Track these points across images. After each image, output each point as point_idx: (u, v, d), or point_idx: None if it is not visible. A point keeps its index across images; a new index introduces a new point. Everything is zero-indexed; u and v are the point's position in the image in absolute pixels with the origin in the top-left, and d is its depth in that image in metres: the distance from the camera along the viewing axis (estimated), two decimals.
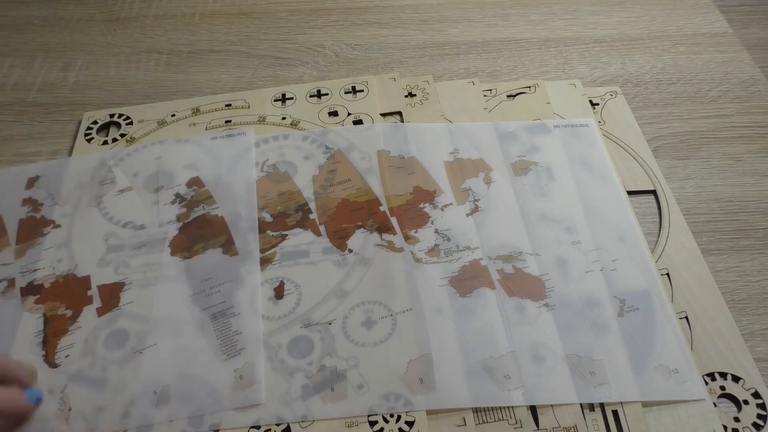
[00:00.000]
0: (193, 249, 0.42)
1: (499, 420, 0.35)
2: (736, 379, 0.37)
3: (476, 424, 0.35)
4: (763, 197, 0.46)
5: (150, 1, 0.64)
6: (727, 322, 0.39)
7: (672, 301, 0.40)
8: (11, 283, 0.41)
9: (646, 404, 0.35)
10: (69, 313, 0.39)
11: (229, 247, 0.42)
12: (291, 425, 0.35)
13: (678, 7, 0.62)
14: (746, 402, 0.36)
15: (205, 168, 0.47)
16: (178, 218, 0.44)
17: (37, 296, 0.40)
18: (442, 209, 0.44)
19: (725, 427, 0.35)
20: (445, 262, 0.41)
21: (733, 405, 0.36)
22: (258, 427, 0.35)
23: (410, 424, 0.35)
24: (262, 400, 0.36)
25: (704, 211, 0.45)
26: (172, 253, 0.42)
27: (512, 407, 0.35)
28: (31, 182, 0.46)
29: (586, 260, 0.41)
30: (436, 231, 0.43)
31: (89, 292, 0.40)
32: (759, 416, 0.35)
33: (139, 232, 0.43)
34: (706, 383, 0.36)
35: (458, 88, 0.53)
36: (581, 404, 0.35)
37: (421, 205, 0.44)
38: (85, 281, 0.41)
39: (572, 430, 0.35)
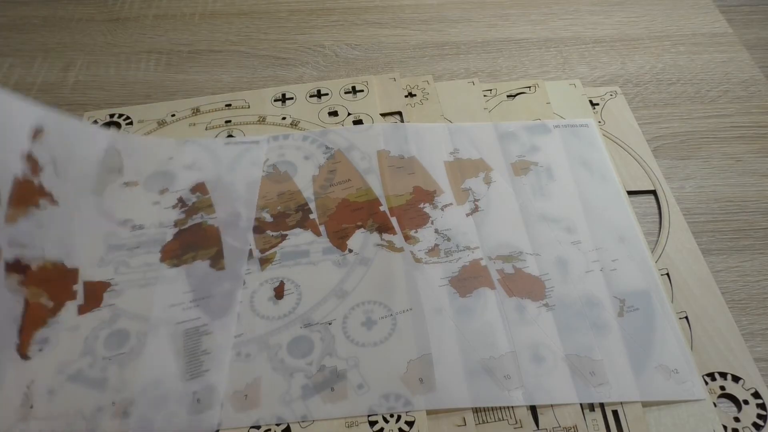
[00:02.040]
0: (182, 257, 0.41)
1: (499, 420, 0.35)
2: (736, 379, 0.37)
3: (476, 424, 0.35)
4: (763, 197, 0.46)
5: (150, 1, 0.64)
6: (727, 322, 0.39)
7: (672, 301, 0.40)
8: None
9: (646, 404, 0.35)
10: (51, 304, 0.38)
11: (217, 260, 0.41)
12: (291, 425, 0.35)
13: (678, 7, 0.62)
14: (746, 402, 0.36)
15: (206, 168, 0.46)
16: (175, 224, 0.43)
17: (22, 276, 0.37)
18: (442, 209, 0.44)
19: (725, 427, 0.35)
20: (445, 262, 0.41)
21: (733, 405, 0.36)
22: (258, 427, 0.35)
23: (410, 424, 0.35)
24: (215, 427, 0.34)
25: (704, 211, 0.45)
26: (162, 259, 0.41)
27: (512, 407, 0.35)
28: (37, 133, 0.39)
29: (586, 260, 0.41)
30: (436, 231, 0.43)
31: (75, 287, 0.39)
32: (759, 416, 0.35)
33: (136, 233, 0.43)
34: (706, 383, 0.36)
35: (458, 88, 0.53)
36: (581, 404, 0.35)
37: (421, 205, 0.44)
38: (73, 274, 0.40)
39: (572, 430, 0.35)
